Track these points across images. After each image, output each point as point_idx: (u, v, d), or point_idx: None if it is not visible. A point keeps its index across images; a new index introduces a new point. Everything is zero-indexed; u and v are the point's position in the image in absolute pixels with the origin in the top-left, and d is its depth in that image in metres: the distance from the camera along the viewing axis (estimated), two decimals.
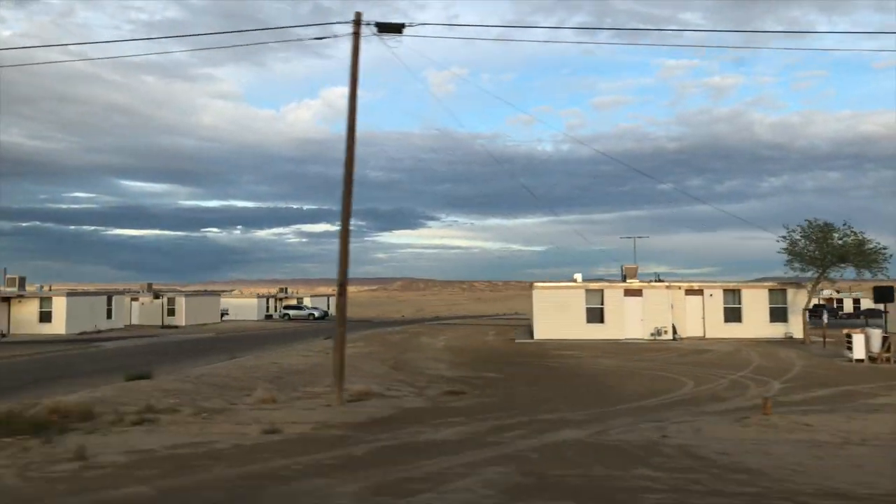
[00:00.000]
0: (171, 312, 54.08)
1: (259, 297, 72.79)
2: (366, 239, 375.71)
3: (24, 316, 42.21)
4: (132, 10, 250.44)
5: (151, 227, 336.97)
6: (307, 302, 76.71)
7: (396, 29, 12.78)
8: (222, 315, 61.16)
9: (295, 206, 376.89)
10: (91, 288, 67.94)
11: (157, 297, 54.36)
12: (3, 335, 40.55)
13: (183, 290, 73.79)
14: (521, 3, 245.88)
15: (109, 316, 46.12)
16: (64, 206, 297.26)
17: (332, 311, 57.86)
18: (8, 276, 43.23)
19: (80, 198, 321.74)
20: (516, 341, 31.17)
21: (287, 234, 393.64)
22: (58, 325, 41.84)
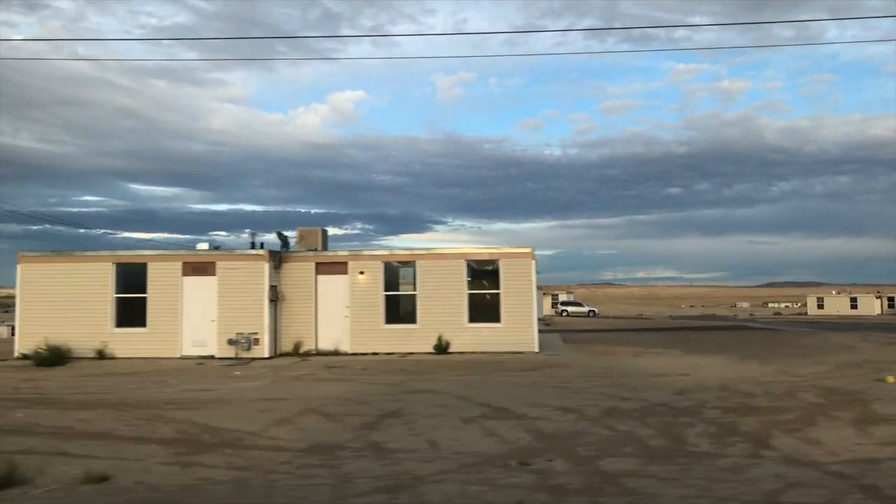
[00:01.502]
0: None
1: None
2: (373, 243, 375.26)
3: None
4: (142, 16, 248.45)
5: (160, 230, 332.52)
6: (562, 298, 76.96)
7: None
8: None
9: (303, 210, 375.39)
10: None
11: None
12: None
13: None
14: (529, 8, 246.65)
15: None
16: (73, 210, 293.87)
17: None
18: None
19: (90, 201, 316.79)
20: None
21: (295, 238, 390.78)
22: None
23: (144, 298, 19.22)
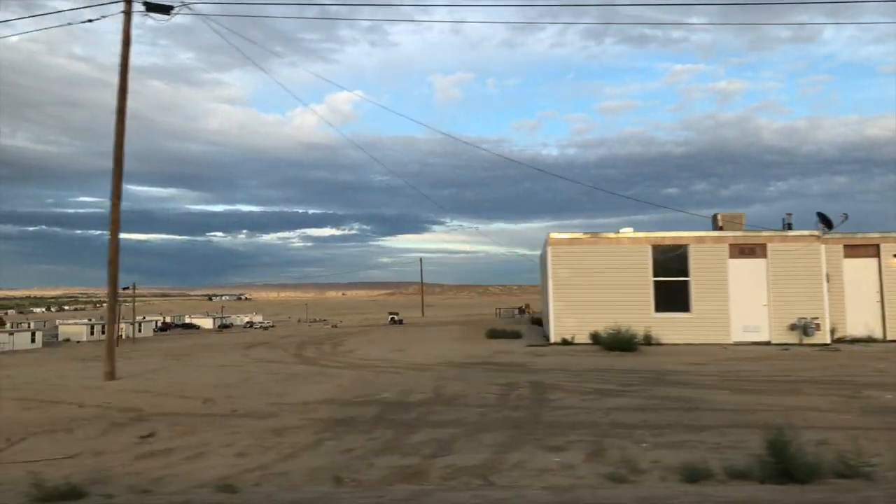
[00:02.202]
0: None
1: None
2: (370, 244, 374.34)
3: None
4: (137, 15, 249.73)
5: (157, 231, 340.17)
6: None
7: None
8: None
9: (300, 211, 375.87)
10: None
11: None
12: None
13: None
14: (526, 8, 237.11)
15: None
16: (70, 211, 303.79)
17: None
18: None
19: (87, 202, 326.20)
20: None
21: (292, 238, 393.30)
22: None
23: (685, 282, 18.76)
